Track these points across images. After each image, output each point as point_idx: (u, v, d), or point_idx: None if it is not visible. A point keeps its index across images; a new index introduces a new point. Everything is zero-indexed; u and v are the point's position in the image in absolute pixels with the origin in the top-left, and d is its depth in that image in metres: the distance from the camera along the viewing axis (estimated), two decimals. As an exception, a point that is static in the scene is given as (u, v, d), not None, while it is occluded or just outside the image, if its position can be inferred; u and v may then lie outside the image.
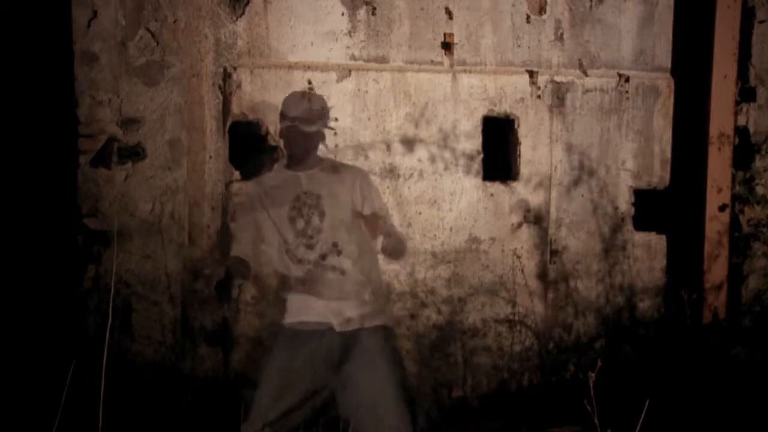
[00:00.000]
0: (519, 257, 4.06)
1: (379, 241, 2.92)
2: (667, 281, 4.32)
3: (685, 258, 4.31)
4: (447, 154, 3.90)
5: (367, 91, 3.78)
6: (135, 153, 3.40)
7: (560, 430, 3.72)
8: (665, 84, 4.28)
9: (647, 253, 4.30)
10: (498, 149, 4.09)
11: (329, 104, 3.09)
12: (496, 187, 4.03)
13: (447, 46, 3.89)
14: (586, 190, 4.16)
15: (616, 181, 4.21)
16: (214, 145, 3.55)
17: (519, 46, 4.01)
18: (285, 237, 2.94)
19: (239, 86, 3.57)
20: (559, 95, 4.08)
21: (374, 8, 3.77)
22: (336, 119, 3.68)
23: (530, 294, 4.09)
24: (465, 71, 3.93)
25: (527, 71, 4.03)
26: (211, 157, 3.54)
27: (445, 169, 3.91)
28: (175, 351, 3.49)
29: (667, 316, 4.28)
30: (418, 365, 3.93)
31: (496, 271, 4.04)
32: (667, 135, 4.31)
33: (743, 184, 4.32)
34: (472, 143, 3.95)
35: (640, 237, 4.29)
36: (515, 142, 4.06)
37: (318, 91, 3.48)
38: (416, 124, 3.86)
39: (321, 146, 3.04)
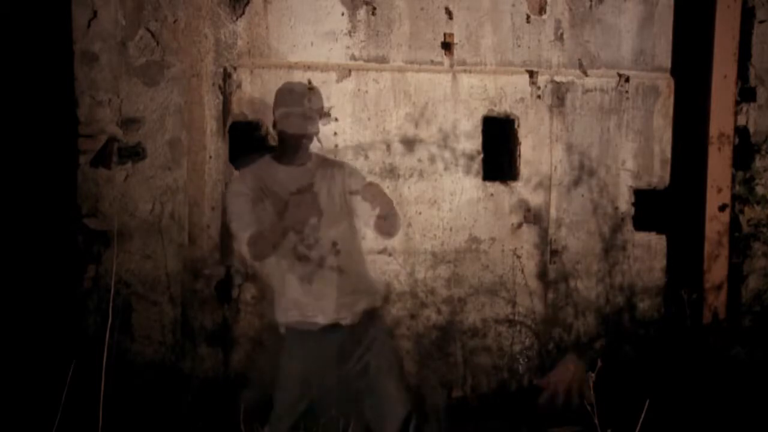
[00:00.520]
0: (519, 257, 4.06)
1: (375, 214, 2.85)
2: (667, 281, 4.32)
3: (685, 258, 4.31)
4: (447, 154, 3.90)
5: (367, 91, 3.78)
6: (135, 153, 3.40)
7: (560, 430, 3.73)
8: (665, 84, 4.28)
9: (647, 253, 4.30)
10: (498, 149, 4.09)
11: (329, 103, 3.07)
12: (496, 187, 4.03)
13: (447, 46, 3.89)
14: (586, 190, 4.16)
15: (616, 181, 4.21)
16: (214, 145, 3.55)
17: (519, 46, 4.01)
18: (286, 234, 2.86)
19: (239, 86, 3.57)
20: (559, 95, 4.08)
21: (374, 8, 3.77)
22: (336, 119, 3.68)
23: (530, 294, 4.09)
24: (465, 71, 3.93)
25: (527, 71, 4.03)
26: (211, 157, 3.54)
27: (445, 169, 3.91)
28: (175, 351, 3.49)
29: (667, 316, 4.28)
30: (418, 365, 3.93)
31: (496, 271, 4.04)
32: (667, 135, 4.30)
33: (743, 184, 4.32)
34: (472, 143, 3.95)
35: (640, 237, 4.29)
36: (515, 142, 4.06)
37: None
38: (416, 124, 3.86)
39: (315, 141, 2.96)
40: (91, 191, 3.36)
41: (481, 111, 3.96)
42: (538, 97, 4.05)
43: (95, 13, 3.32)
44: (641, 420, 2.24)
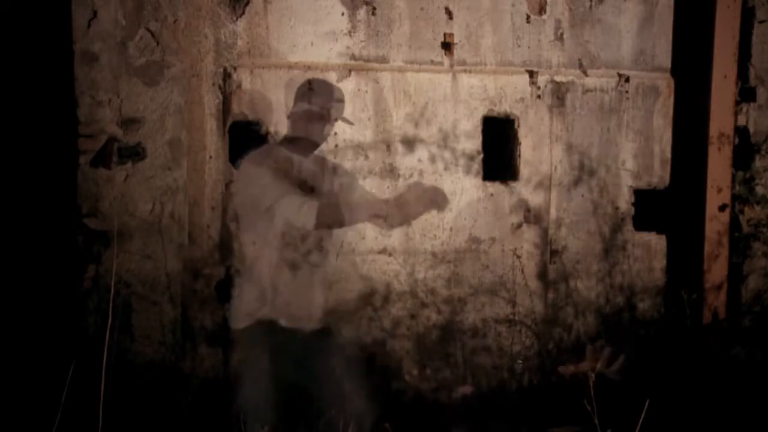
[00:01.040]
0: (519, 257, 4.06)
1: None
2: (667, 281, 4.31)
3: (685, 258, 4.31)
4: (447, 154, 3.90)
5: (367, 91, 3.78)
6: (135, 153, 3.40)
7: (560, 430, 3.72)
8: (665, 84, 4.28)
9: (647, 253, 4.30)
10: (498, 149, 4.09)
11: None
12: (496, 187, 4.03)
13: (447, 46, 3.89)
14: (586, 190, 4.16)
15: (616, 181, 4.21)
16: (214, 145, 3.55)
17: (519, 46, 4.01)
18: (283, 226, 2.80)
19: (239, 86, 3.57)
20: (559, 95, 4.08)
21: (374, 8, 3.77)
22: (336, 119, 3.67)
23: (530, 294, 4.09)
24: (465, 71, 3.93)
25: (527, 71, 4.03)
26: (211, 157, 3.55)
27: (445, 169, 3.91)
28: (175, 351, 3.50)
29: (667, 316, 4.28)
30: (417, 365, 3.93)
31: (496, 271, 4.04)
32: (667, 135, 4.30)
33: (743, 184, 4.32)
34: (472, 143, 3.95)
35: (640, 237, 4.28)
36: (515, 142, 4.06)
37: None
38: (416, 124, 3.86)
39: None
40: (91, 191, 3.36)
41: (481, 111, 3.96)
42: (538, 97, 4.05)
43: (95, 13, 3.32)
44: (641, 420, 2.24)
